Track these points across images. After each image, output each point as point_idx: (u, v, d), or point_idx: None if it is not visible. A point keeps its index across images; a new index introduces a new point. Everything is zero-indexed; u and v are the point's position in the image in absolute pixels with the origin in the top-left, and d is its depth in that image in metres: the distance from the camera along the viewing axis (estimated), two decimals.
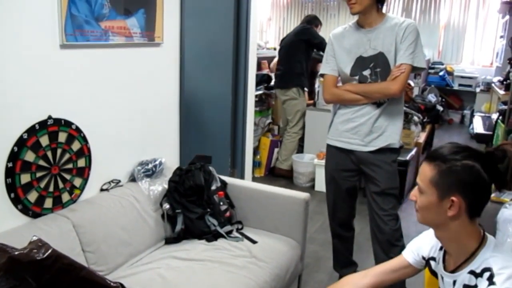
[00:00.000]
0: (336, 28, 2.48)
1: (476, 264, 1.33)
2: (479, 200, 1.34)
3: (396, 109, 2.39)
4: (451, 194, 1.31)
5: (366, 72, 2.32)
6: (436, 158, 1.35)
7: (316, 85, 5.20)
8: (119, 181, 2.43)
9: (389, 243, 2.41)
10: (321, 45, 4.69)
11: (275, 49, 5.41)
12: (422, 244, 1.59)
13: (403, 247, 2.42)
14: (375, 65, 2.30)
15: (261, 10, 8.55)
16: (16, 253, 1.23)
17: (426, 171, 1.36)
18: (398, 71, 2.25)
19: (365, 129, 2.37)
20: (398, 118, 2.41)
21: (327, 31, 9.08)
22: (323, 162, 4.42)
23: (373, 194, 2.42)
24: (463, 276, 1.35)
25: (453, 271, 1.40)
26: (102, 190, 2.34)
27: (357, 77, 2.35)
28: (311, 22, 5.02)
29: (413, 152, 4.44)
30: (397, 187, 2.45)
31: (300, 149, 5.05)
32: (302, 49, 4.79)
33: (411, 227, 3.73)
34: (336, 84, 2.44)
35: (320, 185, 4.45)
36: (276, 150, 5.11)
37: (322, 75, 2.50)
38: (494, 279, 1.26)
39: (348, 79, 2.38)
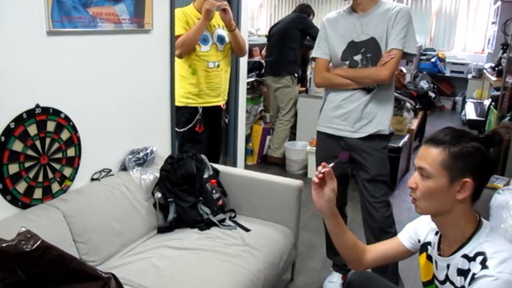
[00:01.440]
0: (330, 13, 2.45)
1: (470, 248, 1.33)
2: (485, 181, 1.35)
3: (386, 95, 2.37)
4: (464, 176, 1.30)
5: (357, 57, 2.30)
6: (443, 142, 1.32)
7: (308, 72, 5.17)
8: (110, 170, 2.40)
9: (381, 230, 2.41)
10: (316, 35, 4.69)
11: (266, 36, 5.37)
12: (418, 227, 1.59)
13: (395, 233, 2.43)
14: (366, 50, 2.28)
15: None
16: (4, 245, 1.20)
17: (434, 154, 1.32)
18: (388, 57, 2.23)
19: (355, 116, 2.35)
20: (389, 104, 2.39)
21: (318, 19, 9.01)
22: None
23: (363, 181, 2.41)
24: (457, 260, 1.35)
25: (448, 256, 1.39)
26: (92, 179, 2.32)
27: (347, 62, 2.33)
28: (304, 11, 4.99)
29: (405, 139, 4.43)
30: (388, 174, 2.44)
31: (293, 136, 5.03)
32: (296, 37, 4.76)
33: (404, 213, 3.74)
34: (328, 68, 2.42)
35: (313, 172, 4.42)
36: (268, 137, 5.09)
37: (313, 59, 2.47)
38: (487, 263, 1.26)
39: (339, 64, 2.37)
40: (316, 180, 1.50)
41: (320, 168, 1.50)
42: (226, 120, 3.34)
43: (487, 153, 1.32)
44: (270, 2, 9.30)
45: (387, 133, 2.40)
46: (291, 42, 4.75)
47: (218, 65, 3.07)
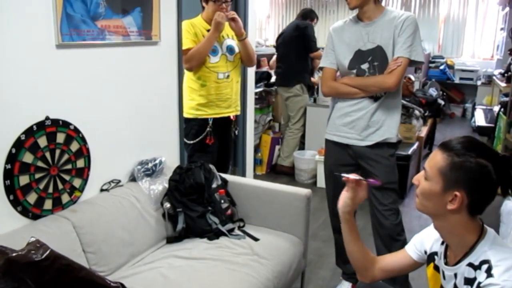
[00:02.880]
0: (337, 22, 2.47)
1: (475, 257, 1.32)
2: (482, 199, 1.31)
3: (393, 103, 2.37)
4: (456, 189, 1.29)
5: (364, 66, 2.31)
6: (451, 149, 1.31)
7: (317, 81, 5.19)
8: (119, 181, 2.42)
9: (391, 238, 2.40)
10: (311, 47, 4.75)
11: (274, 46, 5.40)
12: (424, 238, 1.58)
13: (404, 241, 2.42)
14: (373, 59, 2.29)
15: (260, 8, 8.54)
16: (14, 254, 1.22)
17: (438, 159, 1.33)
18: (395, 65, 2.23)
19: (362, 124, 2.36)
20: (396, 112, 2.39)
21: (326, 28, 9.07)
22: None
23: (372, 189, 2.41)
24: (463, 268, 1.34)
25: (454, 265, 1.38)
26: (102, 190, 2.33)
27: (354, 71, 2.34)
28: (307, 16, 4.97)
29: (414, 147, 4.42)
30: (396, 182, 2.43)
31: (301, 145, 5.03)
32: (301, 45, 4.77)
33: (414, 221, 3.72)
34: (335, 78, 2.43)
35: (322, 181, 4.37)
36: (277, 147, 5.09)
37: (321, 68, 2.48)
38: (492, 271, 1.25)
39: (347, 73, 2.37)
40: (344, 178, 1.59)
41: (353, 175, 1.59)
42: (236, 132, 3.32)
43: (490, 173, 1.27)
44: (278, 12, 9.36)
45: (395, 141, 2.39)
46: (296, 50, 4.76)
47: (228, 76, 3.06)
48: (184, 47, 2.83)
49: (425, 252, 1.56)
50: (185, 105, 2.95)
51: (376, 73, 2.30)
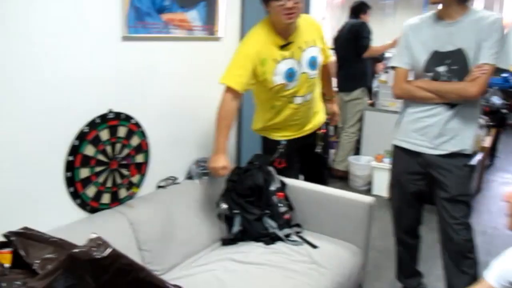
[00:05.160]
0: (412, 18, 2.28)
1: None
2: None
3: (471, 112, 2.18)
4: None
5: (441, 69, 2.14)
6: None
7: (375, 85, 5.01)
8: (176, 178, 2.37)
9: (461, 255, 2.22)
10: (363, 44, 4.57)
11: (332, 48, 5.24)
12: (510, 267, 1.42)
13: (475, 260, 2.24)
14: (452, 62, 2.11)
15: (315, 9, 8.39)
16: (76, 250, 1.17)
17: None
18: (479, 71, 2.05)
19: (435, 131, 2.19)
20: (473, 122, 2.20)
21: (384, 31, 8.79)
22: (381, 165, 4.24)
23: (442, 201, 2.23)
24: None
25: None
26: (159, 187, 2.29)
27: (431, 74, 2.17)
28: (359, 10, 4.82)
29: (479, 157, 4.17)
30: (469, 194, 2.25)
31: (357, 151, 4.87)
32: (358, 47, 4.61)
33: (479, 237, 3.46)
34: (407, 79, 2.27)
35: (378, 188, 4.26)
36: (332, 151, 4.95)
37: (393, 67, 2.32)
38: None
39: (421, 75, 2.20)
40: None
41: None
42: (320, 148, 2.65)
43: None
44: (334, 13, 9.19)
45: (470, 153, 2.21)
46: (354, 53, 4.60)
47: (308, 97, 2.42)
48: (225, 81, 2.19)
49: (511, 284, 1.40)
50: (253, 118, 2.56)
51: (454, 78, 2.11)
